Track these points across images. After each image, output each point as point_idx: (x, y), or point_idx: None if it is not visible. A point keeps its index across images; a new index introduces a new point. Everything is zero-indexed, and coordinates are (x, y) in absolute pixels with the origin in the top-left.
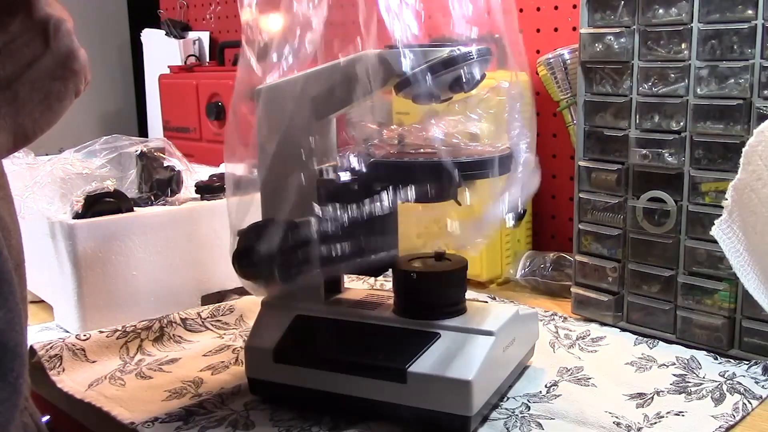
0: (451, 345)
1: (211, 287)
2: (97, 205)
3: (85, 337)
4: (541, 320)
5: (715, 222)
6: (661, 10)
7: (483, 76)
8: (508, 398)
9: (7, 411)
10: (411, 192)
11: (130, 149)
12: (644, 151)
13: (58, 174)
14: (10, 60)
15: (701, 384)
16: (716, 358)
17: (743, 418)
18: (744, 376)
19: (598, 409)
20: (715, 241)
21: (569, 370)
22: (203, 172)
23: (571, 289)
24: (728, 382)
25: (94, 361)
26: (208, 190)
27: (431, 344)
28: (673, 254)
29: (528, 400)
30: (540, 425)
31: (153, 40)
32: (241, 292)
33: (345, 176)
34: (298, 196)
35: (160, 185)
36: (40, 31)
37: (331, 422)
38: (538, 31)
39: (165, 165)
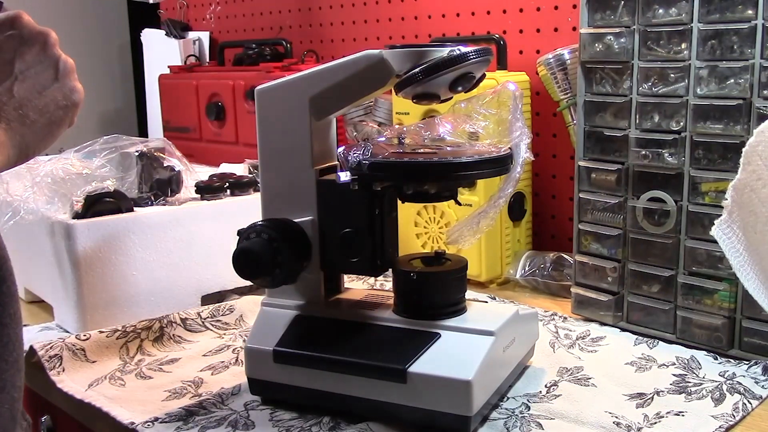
0: (451, 345)
1: (211, 287)
2: (97, 205)
3: (85, 337)
4: (541, 320)
5: (715, 222)
6: (661, 10)
7: (483, 76)
8: (508, 398)
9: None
10: (410, 192)
11: (130, 149)
12: (644, 151)
13: (58, 174)
14: (24, 85)
15: (701, 384)
16: (716, 358)
17: (743, 418)
18: (744, 376)
19: (598, 409)
20: (715, 241)
21: (569, 370)
22: (203, 172)
23: (571, 289)
24: (728, 382)
25: (94, 361)
26: (208, 190)
27: (431, 344)
28: (673, 254)
29: (528, 400)
30: (540, 425)
31: (153, 40)
32: (241, 292)
33: (345, 176)
34: (298, 196)
35: (160, 185)
36: (52, 65)
37: (331, 422)
38: (538, 31)
39: (165, 165)
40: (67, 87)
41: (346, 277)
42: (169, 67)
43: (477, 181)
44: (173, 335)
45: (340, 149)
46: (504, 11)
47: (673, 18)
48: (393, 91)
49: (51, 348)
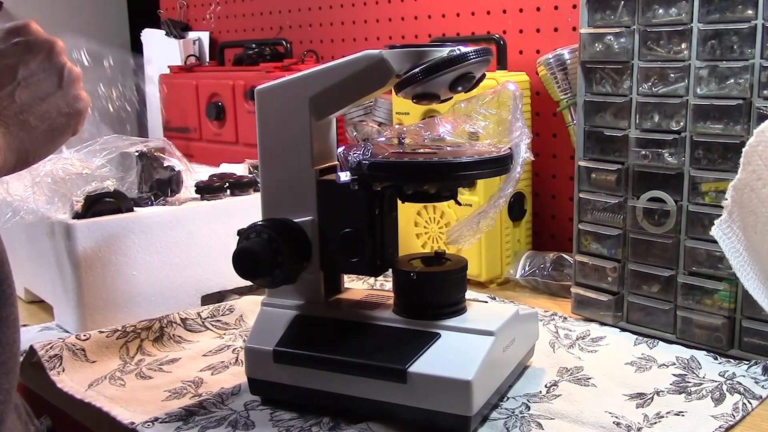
0: (451, 345)
1: (211, 287)
2: (97, 205)
3: (85, 337)
4: (541, 320)
5: (715, 222)
6: (661, 10)
7: (483, 76)
8: (508, 398)
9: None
10: (410, 192)
11: (130, 149)
12: (644, 151)
13: (58, 174)
14: (26, 91)
15: (701, 384)
16: (716, 358)
17: (743, 418)
18: (744, 376)
19: (598, 409)
20: (715, 241)
21: (569, 370)
22: (203, 172)
23: (571, 289)
24: (728, 382)
25: (94, 361)
26: (208, 190)
27: (431, 344)
28: (673, 254)
29: (528, 400)
30: (540, 425)
31: (153, 40)
32: (241, 292)
33: (345, 176)
34: (298, 196)
35: (160, 185)
36: (56, 73)
37: (331, 422)
38: (538, 31)
39: (165, 165)
40: (71, 95)
41: (346, 277)
42: (169, 67)
43: (477, 181)
44: (173, 335)
45: (340, 149)
46: (504, 11)
47: (673, 18)
48: (393, 91)
49: (51, 348)
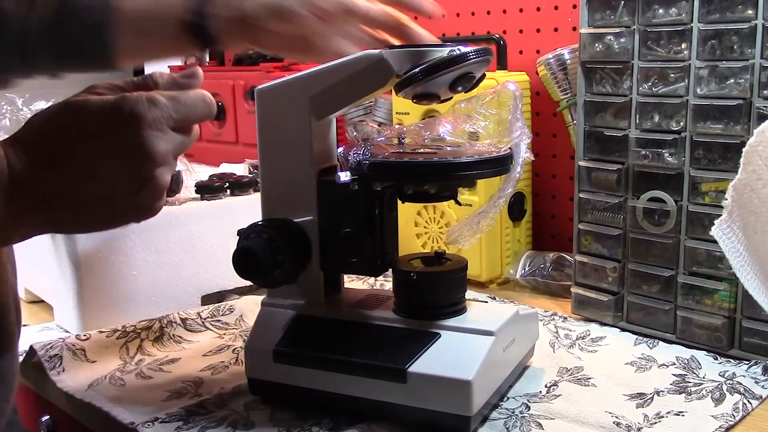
0: (451, 345)
1: (211, 287)
2: None
3: (85, 337)
4: (541, 320)
5: (715, 222)
6: (661, 10)
7: (483, 76)
8: (508, 398)
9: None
10: (410, 192)
11: None
12: (644, 151)
13: None
14: (92, 185)
15: (701, 384)
16: (716, 358)
17: (743, 418)
18: (744, 376)
19: (598, 409)
20: (715, 241)
21: (569, 370)
22: (203, 172)
23: (571, 289)
24: (728, 382)
25: (94, 361)
26: (208, 190)
27: (431, 344)
28: (673, 254)
29: (528, 400)
30: (540, 425)
31: None
32: (241, 292)
33: (345, 176)
34: (298, 196)
35: None
36: (138, 183)
37: (331, 422)
38: (538, 31)
39: None
40: (144, 202)
41: (346, 277)
42: (169, 67)
43: (477, 181)
44: (173, 335)
45: (340, 149)
46: (504, 11)
47: (673, 18)
48: (393, 91)
49: (51, 348)
